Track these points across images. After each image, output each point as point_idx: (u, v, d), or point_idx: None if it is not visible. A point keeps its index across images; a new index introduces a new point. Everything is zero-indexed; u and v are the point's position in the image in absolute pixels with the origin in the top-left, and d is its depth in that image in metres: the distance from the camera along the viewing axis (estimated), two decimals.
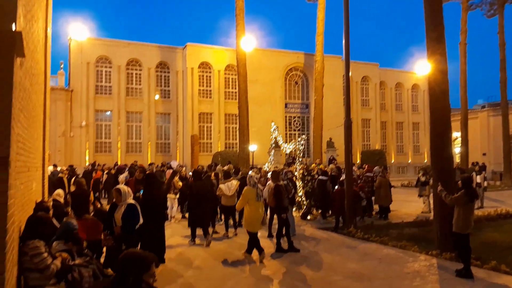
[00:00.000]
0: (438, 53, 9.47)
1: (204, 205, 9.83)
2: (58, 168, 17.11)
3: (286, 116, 36.53)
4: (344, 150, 12.25)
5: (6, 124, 2.95)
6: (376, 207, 14.34)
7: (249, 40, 24.50)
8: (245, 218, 8.43)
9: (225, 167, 15.61)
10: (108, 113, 31.78)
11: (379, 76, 40.82)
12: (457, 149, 31.45)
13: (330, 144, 30.61)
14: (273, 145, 22.64)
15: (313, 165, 17.64)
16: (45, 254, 4.30)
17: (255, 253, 8.33)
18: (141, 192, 8.20)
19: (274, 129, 16.64)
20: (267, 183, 11.55)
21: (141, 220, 6.74)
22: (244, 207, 8.44)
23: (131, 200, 6.67)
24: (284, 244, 8.99)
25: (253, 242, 8.31)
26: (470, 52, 32.88)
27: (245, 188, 8.50)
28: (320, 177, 13.44)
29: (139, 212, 6.72)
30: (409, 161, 42.10)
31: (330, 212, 13.37)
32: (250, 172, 9.58)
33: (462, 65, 30.81)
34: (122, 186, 7.01)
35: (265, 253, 8.45)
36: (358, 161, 34.22)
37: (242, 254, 8.50)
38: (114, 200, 6.88)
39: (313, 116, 30.73)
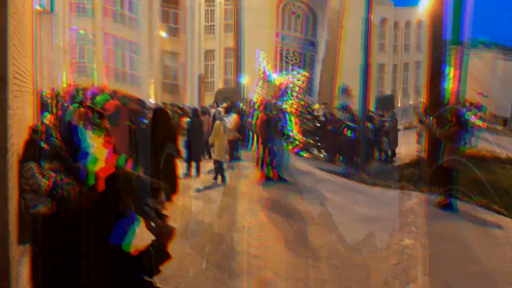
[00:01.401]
0: None
1: (198, 141, 10.29)
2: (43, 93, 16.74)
3: (277, 47, 34.89)
4: (360, 96, 11.99)
5: (2, 42, 2.80)
6: None
7: None
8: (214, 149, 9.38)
9: (224, 104, 15.45)
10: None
11: (394, 16, 38.79)
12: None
13: (344, 90, 30.11)
14: (259, 75, 21.80)
15: (317, 105, 17.18)
16: (39, 175, 4.39)
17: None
18: None
19: (260, 58, 15.55)
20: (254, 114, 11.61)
21: None
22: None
23: None
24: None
25: (220, 169, 9.27)
26: None
27: (216, 122, 9.64)
28: (350, 123, 12.84)
29: None
30: (410, 102, 41.25)
31: (337, 156, 13.37)
32: (218, 108, 10.08)
33: None
34: None
35: (254, 181, 9.31)
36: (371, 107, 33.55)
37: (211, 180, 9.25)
38: None
39: (325, 57, 29.64)
